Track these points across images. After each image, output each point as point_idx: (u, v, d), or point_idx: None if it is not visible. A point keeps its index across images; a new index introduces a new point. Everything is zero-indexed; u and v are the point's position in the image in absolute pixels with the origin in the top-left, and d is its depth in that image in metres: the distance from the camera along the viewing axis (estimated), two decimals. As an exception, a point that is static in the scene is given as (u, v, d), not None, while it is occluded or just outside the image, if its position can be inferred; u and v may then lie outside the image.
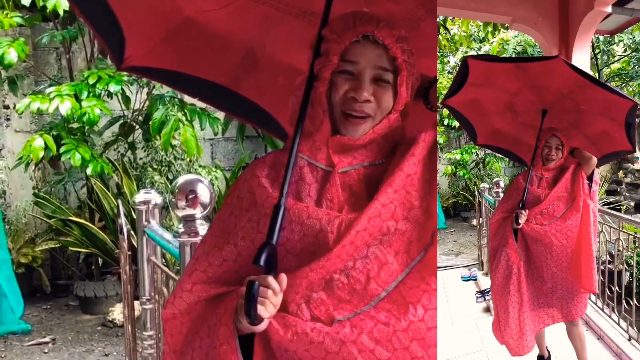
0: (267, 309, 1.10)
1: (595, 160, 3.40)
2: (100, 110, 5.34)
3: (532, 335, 3.46)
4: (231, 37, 1.56)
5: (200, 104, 6.27)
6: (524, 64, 3.25)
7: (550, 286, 3.44)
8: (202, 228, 2.00)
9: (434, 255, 1.15)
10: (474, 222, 9.84)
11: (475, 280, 6.72)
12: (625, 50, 12.13)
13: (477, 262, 7.45)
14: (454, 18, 9.76)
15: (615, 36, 10.32)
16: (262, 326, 1.12)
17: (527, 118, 3.58)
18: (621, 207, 10.84)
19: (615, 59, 12.57)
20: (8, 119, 6.93)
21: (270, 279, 1.10)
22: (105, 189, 6.18)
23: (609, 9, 5.23)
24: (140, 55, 1.61)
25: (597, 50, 11.47)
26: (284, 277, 1.12)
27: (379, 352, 1.10)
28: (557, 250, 3.37)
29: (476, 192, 8.27)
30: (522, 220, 3.38)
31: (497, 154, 11.60)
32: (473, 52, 11.37)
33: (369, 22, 1.24)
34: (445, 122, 11.82)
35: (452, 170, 11.80)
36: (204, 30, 1.55)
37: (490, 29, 8.66)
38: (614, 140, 3.37)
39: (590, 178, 3.41)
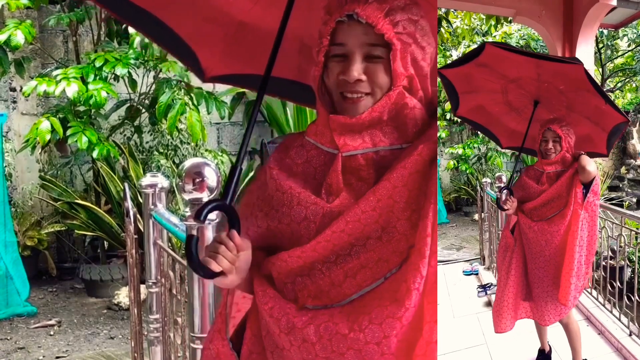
0: (220, 264, 1.15)
1: (590, 171, 3.20)
2: (107, 93, 5.32)
3: (509, 319, 3.51)
4: None
5: (206, 87, 6.26)
6: (476, 60, 3.27)
7: (530, 280, 3.49)
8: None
9: (407, 272, 1.09)
10: (476, 216, 9.82)
11: (476, 274, 6.69)
12: (629, 45, 12.00)
13: (479, 257, 7.42)
14: (456, 11, 9.68)
15: (620, 30, 10.20)
16: (222, 280, 1.19)
17: (528, 113, 3.57)
18: (623, 203, 10.78)
19: (619, 53, 12.45)
20: (15, 102, 6.93)
21: (222, 235, 1.16)
22: (112, 172, 6.18)
23: (614, 2, 5.14)
24: (214, 64, 1.71)
25: (600, 45, 11.36)
26: (234, 233, 1.17)
27: (319, 348, 1.13)
28: (535, 250, 3.43)
29: (478, 187, 8.24)
30: (505, 206, 3.46)
31: (498, 149, 11.67)
32: (476, 46, 11.25)
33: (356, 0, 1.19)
34: (447, 117, 11.76)
35: (454, 164, 11.76)
36: (257, 30, 1.58)
37: (493, 22, 8.58)
38: (610, 114, 3.26)
39: (587, 186, 3.26)
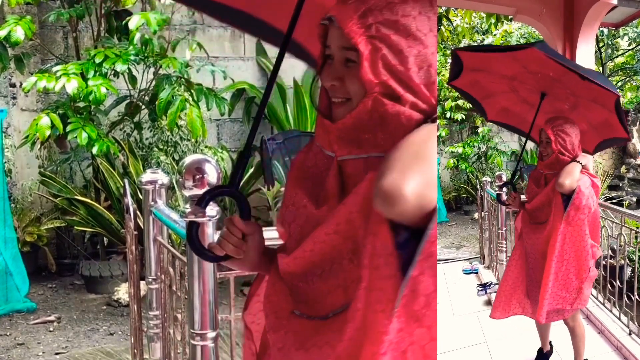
0: (223, 248, 1.22)
1: (562, 184, 3.05)
2: (107, 89, 5.31)
3: (501, 309, 3.53)
4: None
5: (206, 84, 6.25)
6: (468, 67, 3.34)
7: (527, 277, 3.51)
8: (209, 208, 1.97)
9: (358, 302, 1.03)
10: (476, 215, 9.78)
11: (476, 273, 6.66)
12: (630, 44, 12.01)
13: (479, 255, 7.40)
14: (456, 9, 9.66)
15: (620, 29, 10.20)
16: (232, 263, 1.27)
17: (544, 107, 3.56)
18: (623, 203, 10.77)
19: (620, 52, 12.45)
20: (14, 98, 6.92)
21: (226, 220, 1.22)
22: (111, 169, 6.18)
23: (614, 1, 5.10)
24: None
25: (601, 44, 11.35)
26: (236, 217, 1.23)
27: (280, 355, 1.18)
28: (528, 250, 3.46)
29: (478, 186, 8.24)
30: (507, 202, 3.60)
31: (498, 148, 11.72)
32: (475, 45, 11.27)
33: (336, 2, 1.15)
34: (447, 115, 11.75)
35: (454, 163, 11.72)
36: None
37: (493, 20, 8.56)
38: (604, 93, 3.12)
39: (568, 199, 3.10)
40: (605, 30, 10.75)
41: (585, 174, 3.18)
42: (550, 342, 3.91)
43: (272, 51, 7.47)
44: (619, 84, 13.39)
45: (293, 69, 7.66)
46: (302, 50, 1.67)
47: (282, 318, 1.19)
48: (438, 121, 11.31)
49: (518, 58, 3.20)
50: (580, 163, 3.14)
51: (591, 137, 3.52)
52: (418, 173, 0.94)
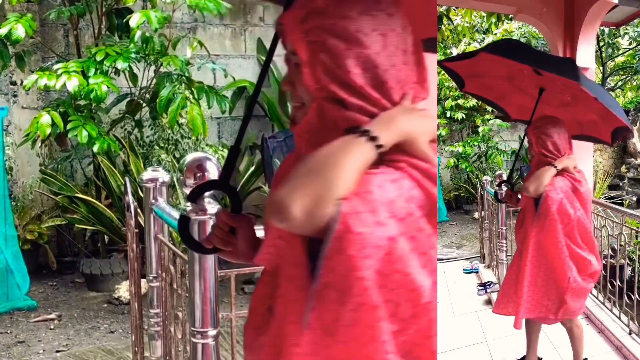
0: (212, 241, 1.25)
1: (525, 187, 3.06)
2: (108, 87, 5.31)
3: (501, 306, 3.48)
4: None
5: (207, 82, 6.24)
6: (466, 74, 3.35)
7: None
8: (210, 206, 1.98)
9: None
10: (476, 214, 9.78)
11: (476, 272, 6.67)
12: (630, 43, 12.01)
13: (479, 255, 7.41)
14: (457, 8, 9.65)
15: (621, 28, 10.19)
16: (223, 255, 1.31)
17: (550, 102, 3.54)
18: (624, 202, 10.78)
19: (620, 51, 12.44)
20: (15, 96, 6.92)
21: (215, 214, 1.28)
22: (112, 167, 6.18)
23: (615, 0, 5.11)
24: None
25: (601, 43, 11.34)
26: (223, 211, 1.26)
27: (247, 352, 1.23)
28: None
29: (478, 185, 8.24)
30: (504, 200, 3.66)
31: (499, 148, 11.71)
32: (476, 44, 11.26)
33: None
34: (448, 115, 11.74)
35: (454, 162, 11.71)
36: None
37: (494, 19, 8.55)
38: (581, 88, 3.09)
39: (536, 204, 3.08)
40: (606, 30, 10.74)
41: (567, 177, 3.09)
42: (540, 358, 3.80)
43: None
44: (619, 83, 13.39)
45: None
46: None
47: (257, 315, 1.21)
48: (438, 120, 11.28)
49: (495, 58, 3.17)
50: (556, 167, 3.07)
51: (603, 127, 3.43)
52: (311, 189, 0.93)
